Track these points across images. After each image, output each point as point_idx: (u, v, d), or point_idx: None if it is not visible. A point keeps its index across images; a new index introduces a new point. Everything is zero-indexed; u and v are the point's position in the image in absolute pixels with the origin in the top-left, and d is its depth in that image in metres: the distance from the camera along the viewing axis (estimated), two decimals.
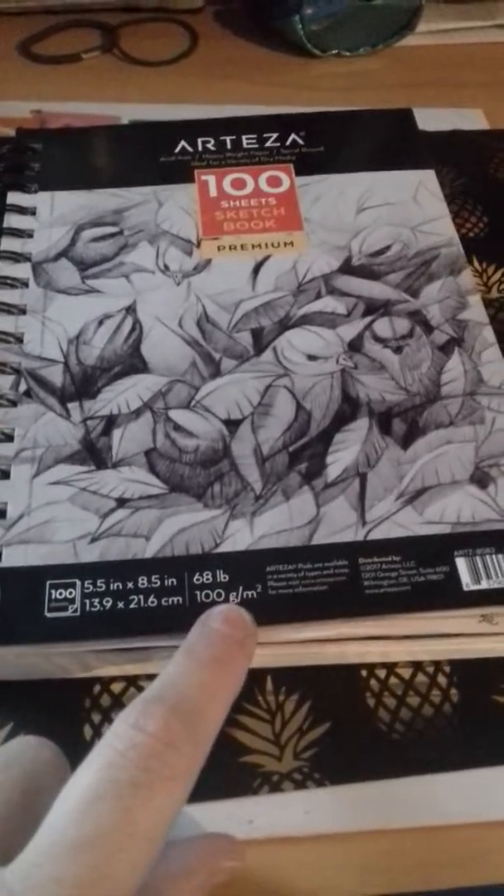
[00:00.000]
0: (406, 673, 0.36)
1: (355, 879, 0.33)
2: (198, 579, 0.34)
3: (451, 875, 0.33)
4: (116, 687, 0.35)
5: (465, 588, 0.34)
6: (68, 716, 0.35)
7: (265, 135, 0.53)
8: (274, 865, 0.33)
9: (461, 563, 0.35)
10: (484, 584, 0.34)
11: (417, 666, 0.37)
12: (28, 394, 0.40)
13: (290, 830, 0.33)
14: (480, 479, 0.38)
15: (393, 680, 0.36)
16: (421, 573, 0.35)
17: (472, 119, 0.63)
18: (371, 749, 0.35)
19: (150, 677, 0.35)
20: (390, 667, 0.36)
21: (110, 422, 0.39)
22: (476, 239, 0.52)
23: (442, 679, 0.36)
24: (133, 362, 0.41)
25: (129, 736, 0.23)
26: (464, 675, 0.36)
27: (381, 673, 0.36)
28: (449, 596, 0.34)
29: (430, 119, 0.57)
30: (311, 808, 0.33)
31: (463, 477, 0.38)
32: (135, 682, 0.35)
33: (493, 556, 0.35)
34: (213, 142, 0.53)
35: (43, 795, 0.24)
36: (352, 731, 0.35)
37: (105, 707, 0.35)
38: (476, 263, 0.51)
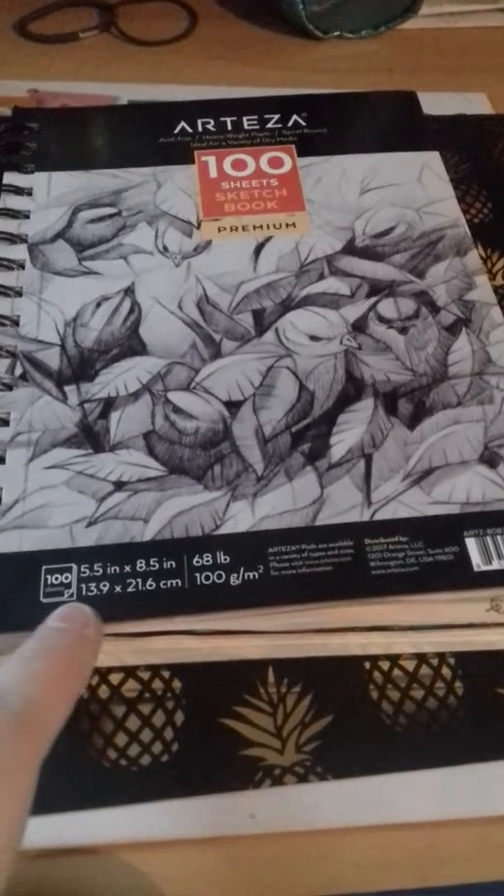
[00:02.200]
0: (410, 665, 0.36)
1: (357, 874, 0.32)
2: (198, 561, 0.33)
3: (454, 870, 0.32)
4: (114, 678, 0.34)
5: (476, 569, 0.33)
6: None
7: (266, 116, 0.53)
8: (276, 860, 0.32)
9: (471, 544, 0.34)
10: (495, 565, 0.34)
11: (421, 658, 0.36)
12: (24, 377, 0.39)
13: (293, 825, 0.32)
14: (490, 458, 0.37)
15: (396, 672, 0.35)
16: (429, 553, 0.34)
17: (476, 103, 0.62)
18: (374, 742, 0.34)
19: (150, 667, 0.34)
20: (394, 659, 0.36)
21: (108, 405, 0.38)
22: (481, 225, 0.51)
23: (446, 671, 0.35)
24: (131, 344, 0.41)
25: None
26: (468, 667, 0.36)
27: (385, 665, 0.36)
28: (458, 576, 0.33)
29: (434, 103, 0.56)
30: (313, 803, 0.33)
31: (472, 457, 0.37)
32: (133, 673, 0.34)
33: None
34: (213, 122, 0.52)
35: None
36: (355, 724, 0.34)
37: (103, 699, 0.34)
38: (480, 250, 0.50)
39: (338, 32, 0.67)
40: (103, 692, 0.34)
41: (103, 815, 0.32)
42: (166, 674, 0.34)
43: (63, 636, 0.28)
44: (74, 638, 0.28)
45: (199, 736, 0.33)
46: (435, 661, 0.36)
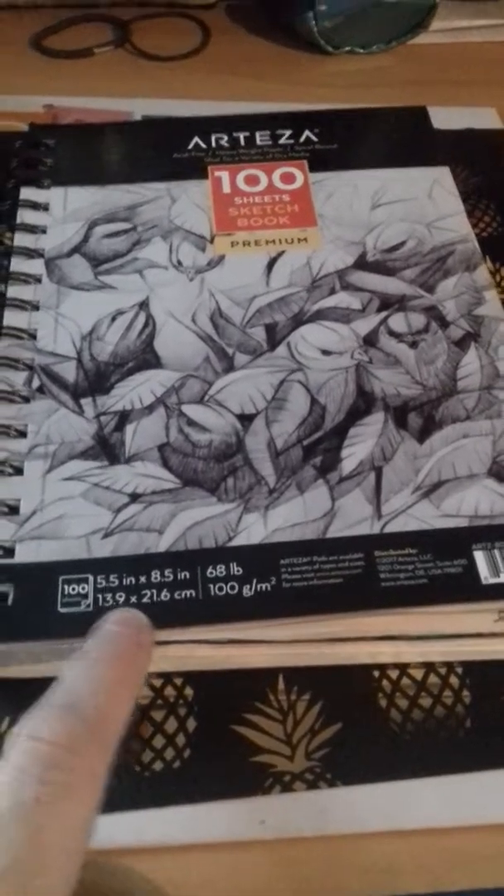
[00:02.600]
0: (418, 674, 0.36)
1: (366, 879, 0.32)
2: (211, 573, 0.34)
3: (461, 877, 0.33)
4: None
5: (484, 581, 0.34)
6: None
7: (279, 131, 0.53)
8: (285, 865, 0.32)
9: (479, 557, 0.35)
10: (503, 577, 0.34)
11: (430, 667, 0.36)
12: (41, 390, 0.40)
13: (302, 831, 0.33)
14: (498, 472, 0.37)
15: (405, 681, 0.36)
16: (438, 566, 0.34)
17: (486, 117, 0.63)
18: (382, 750, 0.34)
19: (162, 675, 0.35)
20: (402, 668, 0.36)
21: (123, 417, 0.39)
22: (490, 239, 0.52)
23: (454, 680, 0.36)
24: (146, 358, 0.41)
25: (25, 748, 0.23)
26: (476, 676, 0.36)
27: (394, 674, 0.36)
28: (467, 589, 0.34)
29: (444, 117, 0.56)
30: (322, 809, 0.33)
31: (480, 471, 0.37)
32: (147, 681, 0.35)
33: None
34: (226, 138, 0.52)
35: None
36: (363, 731, 0.35)
37: None
38: (489, 263, 0.50)
39: (349, 48, 0.68)
40: None
41: (115, 820, 0.32)
42: (178, 681, 0.35)
43: (123, 641, 0.28)
44: (133, 643, 0.28)
45: (210, 742, 0.34)
46: (443, 671, 0.36)
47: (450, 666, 0.36)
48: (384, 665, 0.36)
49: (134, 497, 0.36)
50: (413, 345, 0.42)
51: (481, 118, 0.62)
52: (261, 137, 0.53)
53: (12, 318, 0.42)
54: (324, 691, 0.36)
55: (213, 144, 0.52)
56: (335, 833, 0.33)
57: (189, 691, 0.35)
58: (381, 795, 0.34)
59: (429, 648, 0.36)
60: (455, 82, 0.67)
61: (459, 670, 0.36)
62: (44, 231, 0.47)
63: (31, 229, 0.47)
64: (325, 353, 0.42)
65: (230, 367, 0.41)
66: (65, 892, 0.22)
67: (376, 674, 0.36)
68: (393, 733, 0.35)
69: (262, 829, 0.33)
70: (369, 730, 0.35)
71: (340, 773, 0.34)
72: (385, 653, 0.36)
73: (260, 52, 0.68)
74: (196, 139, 0.52)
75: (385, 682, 0.36)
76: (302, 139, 0.53)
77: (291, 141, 0.53)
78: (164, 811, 0.33)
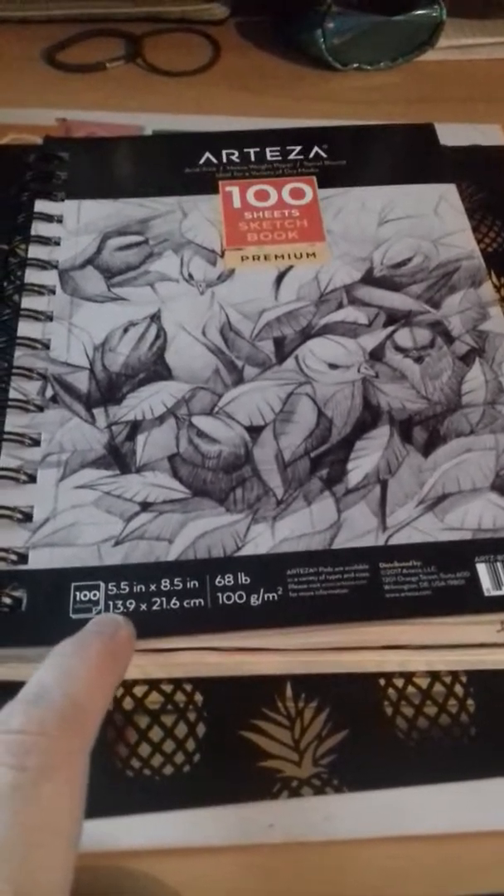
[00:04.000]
0: (423, 683, 0.37)
1: (372, 885, 0.33)
2: (219, 582, 0.35)
3: (466, 884, 0.33)
4: (139, 690, 0.36)
5: (487, 594, 0.35)
6: None
7: (288, 147, 0.54)
8: (293, 869, 0.33)
9: (482, 569, 0.35)
10: None
11: (435, 676, 0.37)
12: (54, 399, 0.40)
13: (310, 835, 0.33)
14: (502, 486, 0.38)
15: (410, 689, 0.36)
16: (442, 578, 0.35)
17: (491, 134, 0.64)
18: (388, 757, 0.35)
19: (172, 681, 0.36)
20: (408, 676, 0.37)
21: (135, 427, 0.40)
22: (495, 254, 0.53)
23: (459, 689, 0.37)
24: (157, 369, 0.42)
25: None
26: (480, 685, 0.37)
27: (399, 682, 0.37)
28: (470, 601, 0.35)
29: (449, 134, 0.57)
30: (329, 814, 0.34)
31: (484, 484, 0.38)
32: (157, 686, 0.36)
33: None
34: (237, 154, 0.53)
35: None
36: (370, 738, 0.35)
37: (128, 710, 0.35)
38: (494, 278, 0.51)
39: (356, 64, 0.69)
40: (128, 703, 0.35)
41: (126, 823, 0.33)
42: (188, 687, 0.36)
43: (97, 636, 0.29)
44: (108, 637, 0.29)
45: (219, 747, 0.35)
46: (448, 679, 0.37)
47: (455, 675, 0.37)
48: (390, 673, 0.37)
49: (144, 506, 0.37)
50: (418, 360, 0.43)
51: (487, 135, 0.63)
52: (271, 153, 0.54)
53: (26, 328, 0.43)
54: (331, 698, 0.36)
55: (224, 160, 0.53)
56: (341, 838, 0.33)
57: (199, 697, 0.36)
58: (387, 802, 0.34)
59: (434, 658, 0.36)
60: (461, 99, 0.68)
61: (464, 679, 0.37)
62: (57, 243, 0.47)
63: (45, 241, 0.47)
64: (333, 366, 0.42)
65: (239, 380, 0.42)
66: (62, 872, 0.22)
67: (382, 682, 0.37)
68: (398, 741, 0.35)
69: (269, 833, 0.33)
70: (375, 737, 0.35)
71: (347, 779, 0.34)
72: (391, 661, 0.36)
73: (269, 69, 0.69)
74: (207, 154, 0.53)
75: (391, 691, 0.36)
76: (311, 155, 0.54)
77: (301, 157, 0.54)
78: (174, 815, 0.33)
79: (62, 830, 0.23)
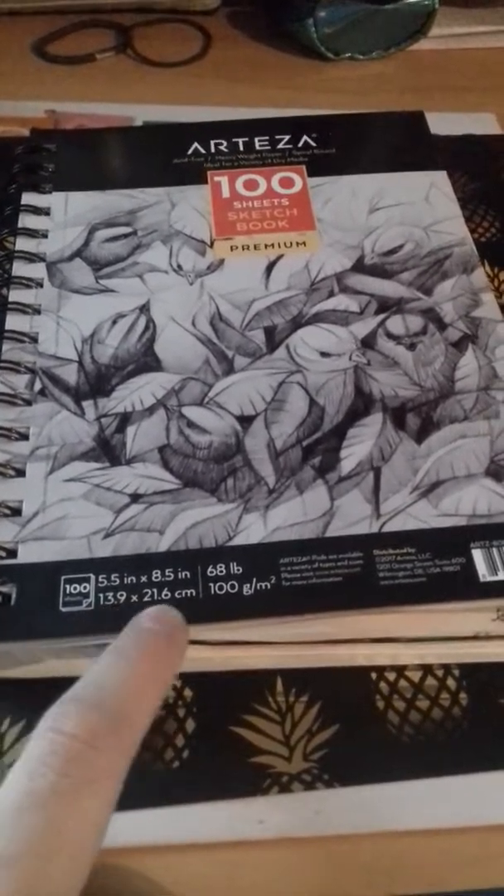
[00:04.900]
0: (415, 676, 0.36)
1: (363, 880, 0.33)
2: (211, 572, 0.34)
3: (458, 878, 0.33)
4: None
5: (482, 579, 0.34)
6: None
7: (277, 136, 0.54)
8: (283, 865, 0.33)
9: (477, 555, 0.35)
10: (501, 576, 0.34)
11: (427, 669, 0.37)
12: (43, 392, 0.40)
13: (300, 831, 0.33)
14: (496, 472, 0.38)
15: (402, 683, 0.36)
16: (437, 565, 0.35)
17: (485, 123, 0.63)
18: (380, 751, 0.35)
19: None
20: (400, 670, 0.37)
21: (124, 419, 0.39)
22: (488, 244, 0.52)
23: (451, 682, 0.36)
24: (146, 361, 0.42)
25: (48, 739, 0.23)
26: (473, 678, 0.36)
27: (391, 676, 0.36)
28: (465, 587, 0.34)
29: (443, 123, 0.57)
30: (320, 809, 0.33)
31: (478, 470, 0.38)
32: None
33: None
34: (225, 143, 0.53)
35: None
36: (361, 733, 0.35)
37: None
38: (488, 268, 0.50)
39: (349, 54, 0.68)
40: None
41: (114, 820, 0.32)
42: (178, 682, 0.36)
43: (156, 638, 0.28)
44: (165, 640, 0.28)
45: (209, 743, 0.34)
46: (440, 673, 0.36)
47: (447, 668, 0.37)
48: (382, 667, 0.36)
49: (135, 498, 0.37)
50: (411, 346, 0.42)
51: (481, 124, 0.63)
52: (259, 143, 0.53)
53: (14, 321, 0.43)
54: (322, 693, 0.36)
55: (213, 150, 0.53)
56: (332, 834, 0.33)
57: (188, 692, 0.35)
58: (379, 797, 0.34)
59: (426, 651, 0.36)
60: (454, 88, 0.67)
61: (456, 672, 0.36)
62: (45, 235, 0.47)
63: (33, 234, 0.47)
64: (324, 354, 0.42)
65: (230, 370, 0.41)
66: (76, 886, 0.22)
67: (374, 676, 0.36)
68: (390, 735, 0.35)
69: (260, 830, 0.33)
70: (367, 731, 0.35)
71: (338, 774, 0.34)
72: (382, 655, 0.36)
73: (261, 59, 0.69)
74: (196, 145, 0.53)
75: (382, 685, 0.36)
76: (300, 144, 0.53)
77: (290, 146, 0.53)
78: (163, 811, 0.33)
79: (88, 846, 0.22)
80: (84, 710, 0.24)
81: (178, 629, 0.28)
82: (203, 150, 0.52)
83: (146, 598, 0.34)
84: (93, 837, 0.23)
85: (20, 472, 0.37)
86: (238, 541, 0.35)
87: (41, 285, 0.45)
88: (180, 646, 0.28)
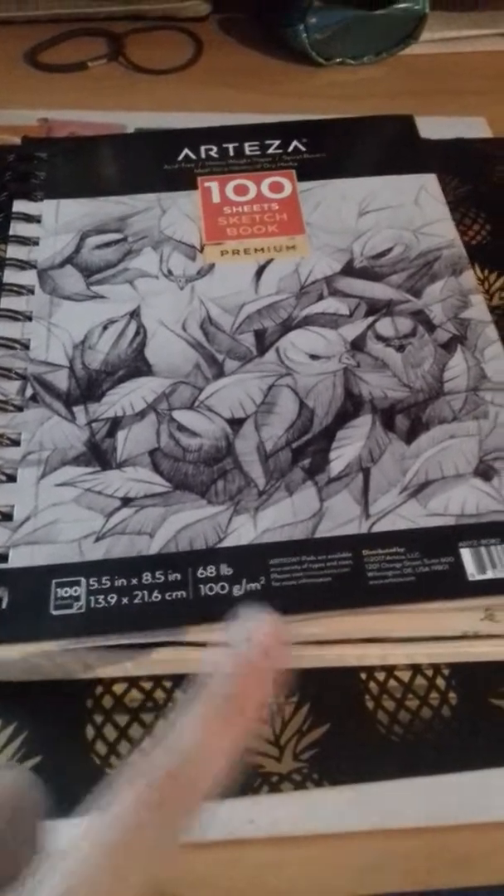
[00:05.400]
0: (405, 676, 0.36)
1: (353, 879, 0.33)
2: (202, 573, 0.34)
3: (448, 876, 0.33)
4: (118, 688, 0.35)
5: (470, 578, 0.34)
6: (70, 717, 0.35)
7: (267, 142, 0.54)
8: (274, 865, 0.33)
9: (466, 554, 0.35)
10: (489, 574, 0.35)
11: (416, 669, 0.37)
12: (34, 398, 0.40)
13: (290, 830, 0.33)
14: (485, 472, 0.38)
15: (392, 683, 0.36)
16: (425, 564, 0.35)
17: (476, 127, 0.63)
18: (370, 751, 0.35)
19: (152, 678, 0.35)
20: (389, 670, 0.37)
21: (115, 424, 0.39)
22: (478, 246, 0.52)
23: (440, 682, 0.36)
24: (137, 365, 0.42)
25: (127, 794, 0.22)
26: (462, 678, 0.37)
27: (381, 676, 0.36)
28: (454, 586, 0.34)
29: (434, 127, 0.57)
30: (310, 809, 0.33)
31: (467, 470, 0.38)
32: (136, 683, 0.36)
33: (498, 547, 0.35)
34: (215, 149, 0.53)
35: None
36: (351, 732, 0.35)
37: (107, 708, 0.35)
38: (478, 271, 0.51)
39: (340, 59, 0.68)
40: (107, 701, 0.35)
41: None
42: (168, 684, 0.36)
43: (255, 686, 0.23)
44: (263, 689, 0.24)
45: None
46: (430, 672, 0.36)
47: (436, 668, 0.37)
48: (371, 667, 0.36)
49: (125, 501, 0.37)
50: (400, 348, 0.43)
51: (472, 128, 0.63)
52: (249, 148, 0.53)
53: (5, 328, 0.43)
54: (311, 693, 0.36)
55: (203, 155, 0.53)
56: (323, 832, 0.33)
57: (179, 694, 0.35)
58: (368, 796, 0.34)
59: (415, 650, 0.36)
60: (446, 92, 0.67)
61: (446, 672, 0.36)
62: (36, 243, 0.47)
63: (24, 241, 0.47)
64: (314, 357, 0.42)
65: (220, 373, 0.42)
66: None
67: (363, 676, 0.36)
68: (380, 735, 0.35)
69: (251, 829, 0.33)
70: (356, 731, 0.35)
71: (328, 773, 0.34)
72: (372, 655, 0.36)
73: (252, 65, 0.69)
74: (186, 150, 0.53)
75: (372, 684, 0.36)
76: (290, 149, 0.53)
77: (280, 151, 0.53)
78: None
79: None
80: (162, 773, 0.22)
81: (275, 667, 0.24)
82: (193, 156, 0.53)
83: (136, 601, 0.34)
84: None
85: (11, 478, 0.38)
86: (228, 542, 0.36)
87: (32, 292, 0.45)
88: (265, 697, 0.24)
